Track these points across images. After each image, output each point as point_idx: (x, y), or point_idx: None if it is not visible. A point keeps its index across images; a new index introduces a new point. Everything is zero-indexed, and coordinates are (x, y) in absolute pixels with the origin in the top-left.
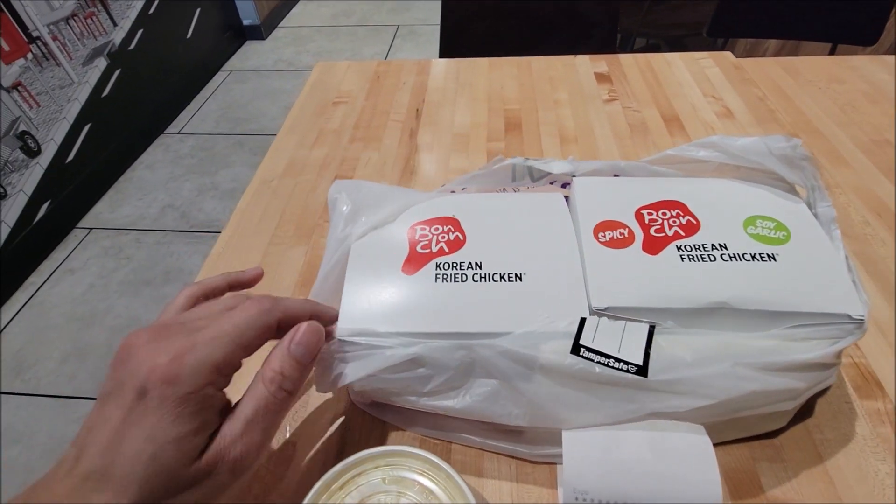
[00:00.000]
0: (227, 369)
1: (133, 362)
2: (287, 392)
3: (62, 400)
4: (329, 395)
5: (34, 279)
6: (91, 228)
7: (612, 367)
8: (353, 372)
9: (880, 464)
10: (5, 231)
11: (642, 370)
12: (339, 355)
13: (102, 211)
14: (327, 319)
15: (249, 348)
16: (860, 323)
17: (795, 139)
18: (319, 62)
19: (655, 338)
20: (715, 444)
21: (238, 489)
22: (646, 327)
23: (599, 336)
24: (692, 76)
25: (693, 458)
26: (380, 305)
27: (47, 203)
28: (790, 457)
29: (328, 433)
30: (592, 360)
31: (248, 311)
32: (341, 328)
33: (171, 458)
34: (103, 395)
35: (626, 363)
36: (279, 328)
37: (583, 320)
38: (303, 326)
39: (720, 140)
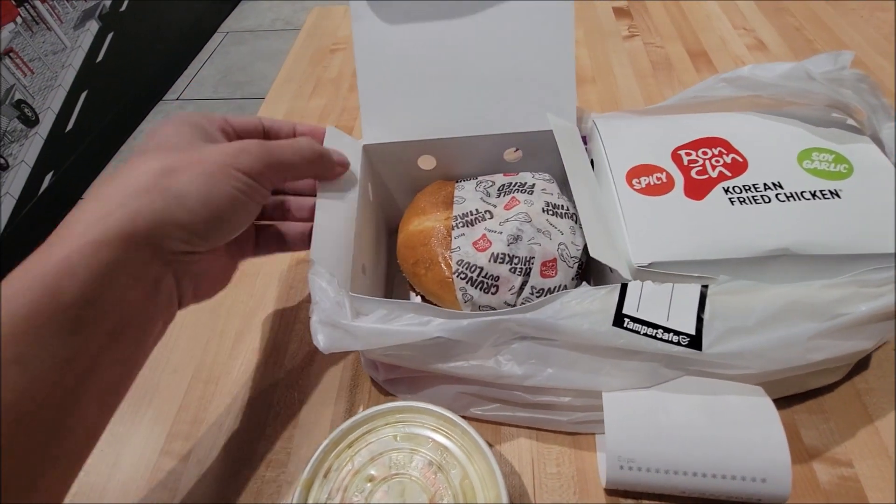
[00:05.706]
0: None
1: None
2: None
3: None
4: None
5: None
6: None
7: (661, 339)
8: (365, 341)
9: None
10: (11, 203)
11: (695, 341)
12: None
13: None
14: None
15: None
16: None
17: (844, 55)
18: (315, 7)
19: (708, 300)
20: None
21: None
22: (696, 289)
23: (645, 303)
24: (720, 7)
25: (754, 421)
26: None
27: (51, 174)
28: (831, 407)
29: (335, 393)
30: (638, 333)
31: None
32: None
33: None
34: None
35: (677, 333)
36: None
37: (623, 286)
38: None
39: (750, 71)
